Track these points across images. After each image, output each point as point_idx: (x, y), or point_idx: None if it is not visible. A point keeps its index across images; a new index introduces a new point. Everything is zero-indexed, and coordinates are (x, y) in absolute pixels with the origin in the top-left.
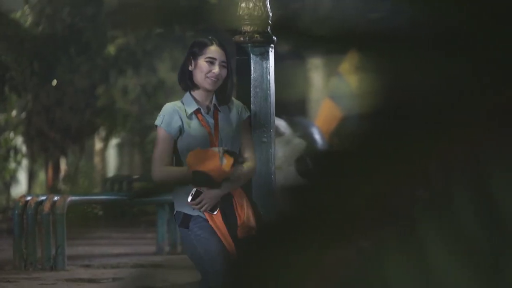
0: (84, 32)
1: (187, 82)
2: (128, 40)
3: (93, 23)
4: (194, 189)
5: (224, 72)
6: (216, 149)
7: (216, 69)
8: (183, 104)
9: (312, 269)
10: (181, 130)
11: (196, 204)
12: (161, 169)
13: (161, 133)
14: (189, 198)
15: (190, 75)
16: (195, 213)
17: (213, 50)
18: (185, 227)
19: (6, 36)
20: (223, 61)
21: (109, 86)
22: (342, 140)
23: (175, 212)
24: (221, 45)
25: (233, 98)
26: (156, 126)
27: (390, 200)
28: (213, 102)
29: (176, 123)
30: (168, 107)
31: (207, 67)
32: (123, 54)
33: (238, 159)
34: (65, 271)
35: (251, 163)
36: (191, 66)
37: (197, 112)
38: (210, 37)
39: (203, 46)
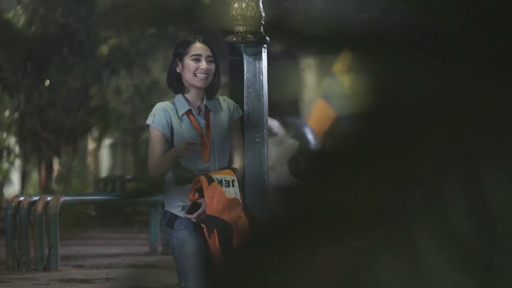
0: (77, 32)
1: (176, 85)
2: (121, 40)
3: (86, 23)
4: (191, 202)
5: (213, 67)
6: (237, 194)
7: (203, 64)
8: (174, 104)
9: (304, 270)
10: (171, 130)
11: (195, 218)
12: (156, 164)
13: (154, 132)
14: (185, 210)
15: (178, 77)
16: (181, 214)
17: (198, 47)
18: (170, 227)
19: None
20: (208, 56)
21: (102, 87)
22: (335, 140)
23: (164, 211)
24: (204, 42)
25: (225, 96)
26: (148, 125)
27: (383, 200)
28: (204, 103)
29: (167, 123)
30: (159, 106)
31: (194, 64)
32: (116, 54)
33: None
34: (58, 271)
35: (240, 164)
36: (178, 68)
37: (188, 113)
38: (192, 36)
39: (187, 45)
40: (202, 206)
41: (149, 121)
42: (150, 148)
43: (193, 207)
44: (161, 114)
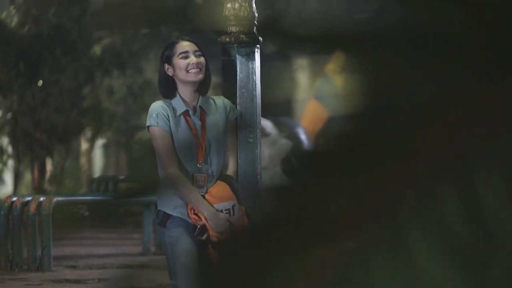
0: (70, 32)
1: (169, 90)
2: (114, 40)
3: (79, 23)
4: (199, 226)
5: (202, 60)
6: (238, 217)
7: (193, 59)
8: (171, 104)
9: (298, 270)
10: (171, 129)
11: (203, 239)
12: (176, 168)
13: (158, 131)
14: (195, 233)
15: (170, 80)
16: (174, 213)
17: (183, 45)
18: (163, 226)
19: None
20: (196, 51)
21: (94, 87)
22: (328, 140)
23: (157, 210)
24: (189, 40)
25: (222, 96)
26: (149, 127)
27: (376, 200)
28: (199, 103)
29: (168, 122)
30: (157, 105)
31: (184, 61)
32: (108, 54)
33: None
34: (51, 271)
35: (234, 166)
36: (169, 71)
37: (185, 113)
38: (175, 38)
39: (172, 47)
40: (208, 231)
41: (152, 122)
42: (160, 148)
43: (201, 230)
44: (162, 114)
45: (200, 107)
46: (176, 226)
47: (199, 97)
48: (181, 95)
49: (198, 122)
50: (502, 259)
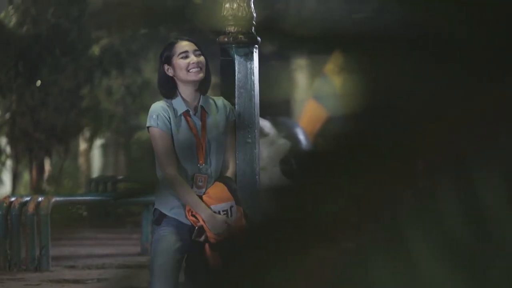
0: (68, 32)
1: (169, 90)
2: (113, 40)
3: (77, 23)
4: (197, 228)
5: (202, 59)
6: (236, 218)
7: (193, 59)
8: (172, 104)
9: (297, 270)
10: (171, 130)
11: (201, 240)
12: (174, 169)
13: (158, 132)
14: (193, 235)
15: (170, 81)
16: (170, 213)
17: (183, 45)
18: (158, 225)
19: None
20: (195, 50)
21: (93, 87)
22: (327, 140)
23: (154, 208)
24: (188, 39)
25: (222, 97)
26: (149, 127)
27: (375, 200)
28: (200, 103)
29: (169, 123)
30: (157, 106)
31: (184, 61)
32: (107, 54)
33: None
34: (50, 271)
35: (233, 168)
36: (169, 71)
37: (186, 114)
38: (174, 38)
39: (171, 47)
40: (206, 232)
41: (152, 122)
42: (159, 148)
43: (199, 232)
44: (163, 114)
45: (202, 107)
46: (167, 226)
47: (200, 96)
48: (182, 95)
49: (198, 122)
50: (502, 259)
